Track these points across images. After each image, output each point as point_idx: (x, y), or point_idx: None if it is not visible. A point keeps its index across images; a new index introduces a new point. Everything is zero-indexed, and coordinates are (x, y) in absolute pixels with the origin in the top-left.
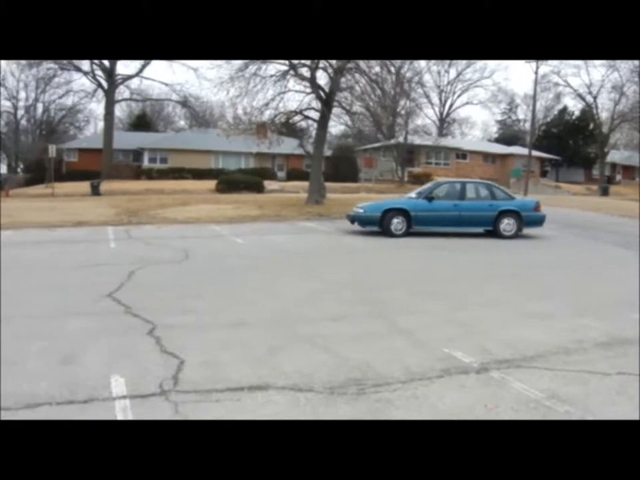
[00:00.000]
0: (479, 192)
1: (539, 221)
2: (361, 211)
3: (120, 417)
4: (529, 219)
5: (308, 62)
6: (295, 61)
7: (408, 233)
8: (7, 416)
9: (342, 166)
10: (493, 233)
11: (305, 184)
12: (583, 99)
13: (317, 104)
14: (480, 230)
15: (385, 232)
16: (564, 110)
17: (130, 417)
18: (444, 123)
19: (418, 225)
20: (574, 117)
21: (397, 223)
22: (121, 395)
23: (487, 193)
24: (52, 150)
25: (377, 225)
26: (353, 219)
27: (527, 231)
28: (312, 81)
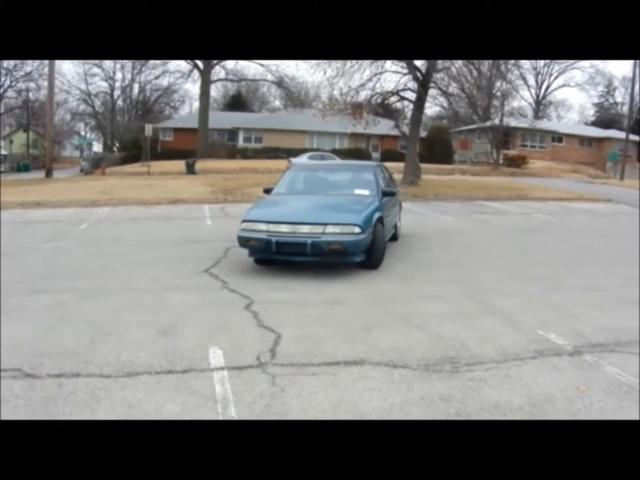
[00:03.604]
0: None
1: None
2: (357, 230)
3: (218, 388)
4: None
5: None
6: None
7: None
8: (106, 383)
9: (436, 147)
10: None
11: (400, 165)
12: None
13: (413, 85)
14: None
15: (374, 262)
16: None
17: (228, 388)
18: (540, 106)
19: None
20: None
21: None
22: (219, 367)
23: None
24: (148, 129)
25: (365, 252)
26: (280, 246)
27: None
28: (409, 61)
